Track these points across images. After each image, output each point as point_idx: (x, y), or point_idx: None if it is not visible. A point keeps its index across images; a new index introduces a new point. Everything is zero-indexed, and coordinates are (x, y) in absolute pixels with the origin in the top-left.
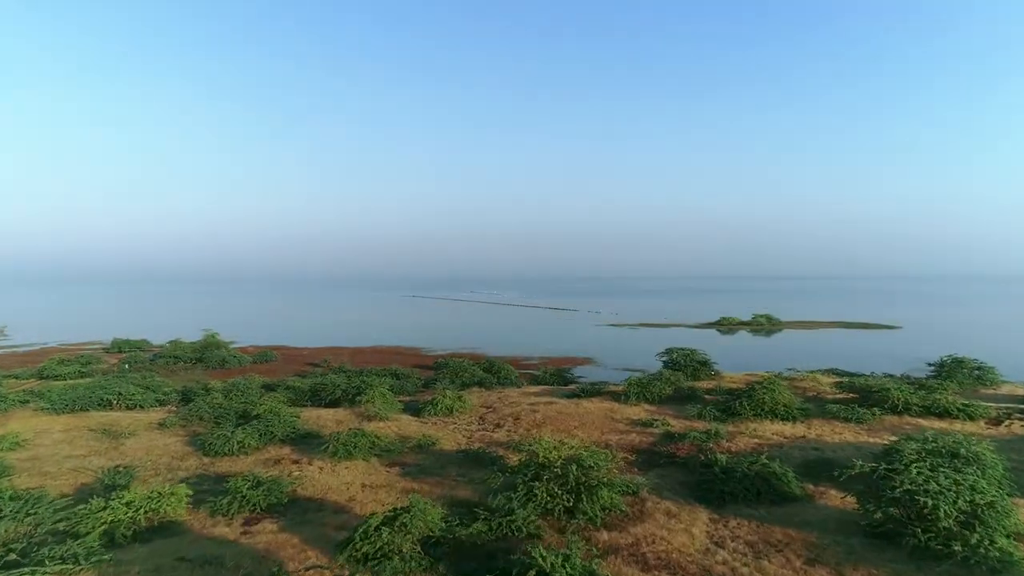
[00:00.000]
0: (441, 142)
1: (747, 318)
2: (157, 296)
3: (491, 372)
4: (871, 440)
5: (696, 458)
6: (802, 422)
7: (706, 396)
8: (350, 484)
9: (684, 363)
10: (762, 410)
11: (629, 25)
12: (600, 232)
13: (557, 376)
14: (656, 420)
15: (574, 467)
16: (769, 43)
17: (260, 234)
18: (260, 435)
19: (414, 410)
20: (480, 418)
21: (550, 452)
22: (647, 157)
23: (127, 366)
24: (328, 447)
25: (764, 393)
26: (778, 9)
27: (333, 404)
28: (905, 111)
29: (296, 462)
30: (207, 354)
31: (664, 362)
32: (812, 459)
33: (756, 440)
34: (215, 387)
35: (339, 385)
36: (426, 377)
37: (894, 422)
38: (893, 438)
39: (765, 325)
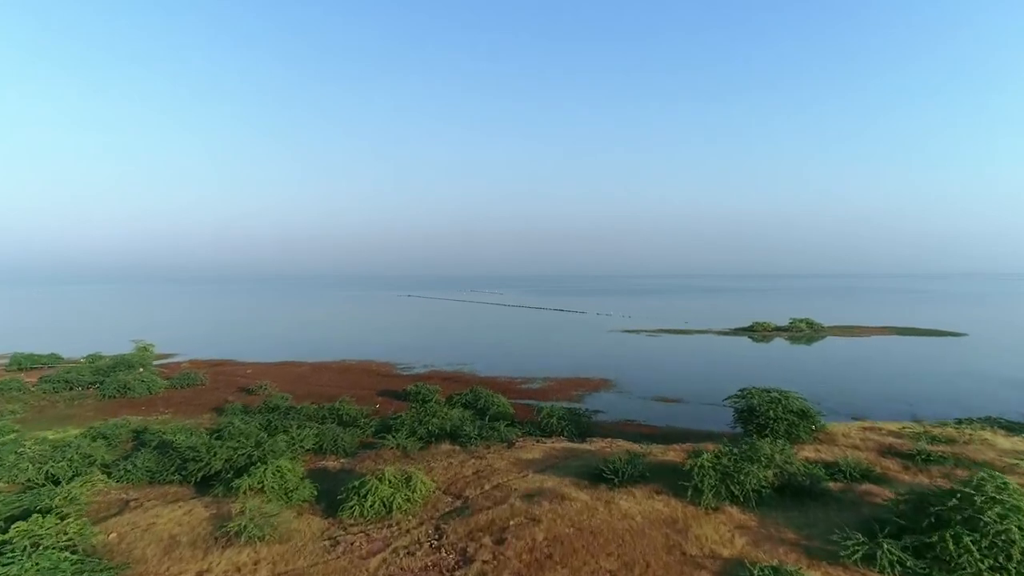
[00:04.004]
0: (451, 146)
1: (782, 322)
2: (138, 296)
3: (475, 407)
4: None
5: None
6: None
7: (832, 482)
8: None
9: (774, 416)
10: (1000, 556)
11: (645, 30)
12: (600, 231)
13: (569, 420)
14: (775, 570)
15: None
16: (784, 42)
17: (268, 233)
18: None
19: (333, 498)
20: (436, 528)
21: None
22: (646, 156)
23: None
24: None
25: (996, 517)
26: (795, 8)
27: (207, 481)
28: (905, 111)
29: None
30: (109, 376)
31: (736, 410)
32: None
33: None
34: (28, 450)
35: (218, 454)
36: (384, 417)
37: None
38: None
39: (806, 331)
